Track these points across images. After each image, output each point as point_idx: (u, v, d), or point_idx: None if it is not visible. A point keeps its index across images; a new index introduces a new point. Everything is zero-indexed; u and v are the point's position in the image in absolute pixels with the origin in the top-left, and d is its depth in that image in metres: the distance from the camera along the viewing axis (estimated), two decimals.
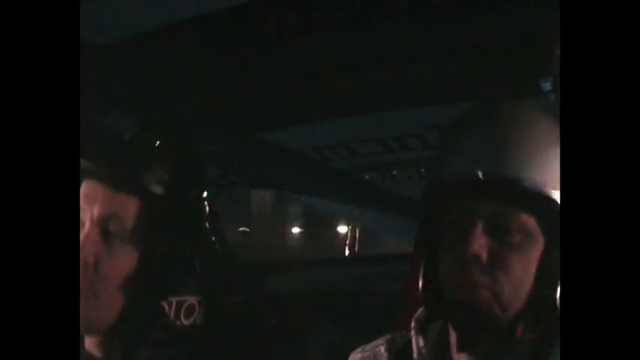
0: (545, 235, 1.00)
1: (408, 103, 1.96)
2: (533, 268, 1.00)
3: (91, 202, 1.16)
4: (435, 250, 1.06)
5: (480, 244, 0.99)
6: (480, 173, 0.98)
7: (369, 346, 1.19)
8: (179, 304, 1.29)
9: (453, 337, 1.07)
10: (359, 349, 1.19)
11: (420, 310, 1.10)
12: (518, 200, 0.99)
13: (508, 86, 1.69)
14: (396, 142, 2.48)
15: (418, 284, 1.09)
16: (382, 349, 1.16)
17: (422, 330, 1.10)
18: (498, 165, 0.98)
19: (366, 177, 2.62)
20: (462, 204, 1.01)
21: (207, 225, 1.27)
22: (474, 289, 1.00)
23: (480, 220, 1.00)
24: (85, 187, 1.14)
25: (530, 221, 1.00)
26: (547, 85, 1.53)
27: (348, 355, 1.20)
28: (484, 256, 0.99)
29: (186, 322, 1.27)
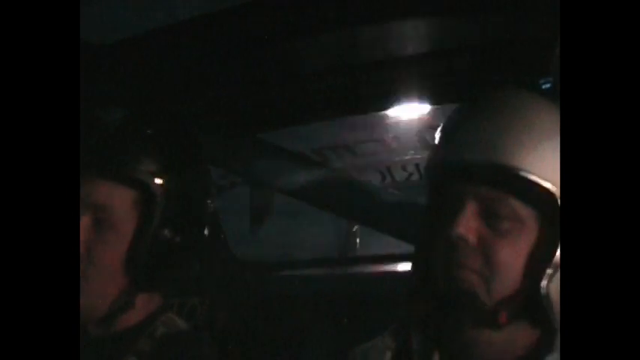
0: (538, 224, 1.00)
1: (407, 103, 1.96)
2: (522, 257, 1.00)
3: (85, 199, 1.16)
4: (432, 236, 1.07)
5: (468, 226, 1.01)
6: (474, 158, 0.99)
7: (369, 343, 1.19)
8: (181, 305, 1.29)
9: (448, 330, 1.08)
10: (359, 346, 1.19)
11: (419, 305, 1.10)
12: (511, 187, 0.99)
13: (508, 86, 1.69)
14: (396, 142, 2.48)
15: (419, 280, 1.10)
16: (382, 345, 1.16)
17: (421, 326, 1.11)
18: (493, 151, 0.98)
19: (366, 177, 2.62)
20: (455, 188, 1.02)
21: (207, 225, 1.27)
22: (460, 270, 1.01)
23: (470, 204, 1.01)
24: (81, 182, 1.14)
25: (522, 209, 1.00)
26: (547, 85, 1.53)
27: (348, 355, 1.20)
28: (472, 238, 1.00)
29: (187, 322, 1.27)
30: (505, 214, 1.00)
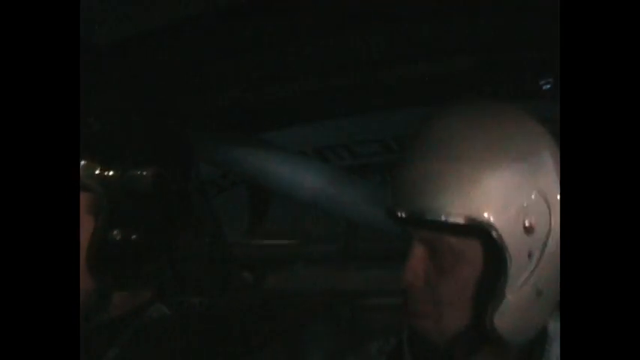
0: (478, 257, 1.00)
1: (407, 103, 1.96)
2: (467, 292, 1.01)
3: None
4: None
5: (416, 271, 1.02)
6: (412, 205, 1.00)
7: (363, 347, 1.20)
8: (179, 304, 1.29)
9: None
10: (353, 351, 1.20)
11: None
12: (446, 226, 0.99)
13: (508, 86, 1.69)
14: (396, 142, 2.48)
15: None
16: (375, 350, 1.17)
17: (411, 334, 1.12)
18: (425, 196, 0.99)
19: (366, 177, 2.62)
20: (404, 233, 1.05)
21: (207, 225, 1.27)
22: (414, 315, 1.04)
23: (417, 247, 1.04)
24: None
25: (459, 245, 1.00)
26: (547, 86, 1.53)
27: (346, 356, 1.21)
28: (419, 283, 1.02)
29: (184, 321, 1.27)
30: (444, 251, 1.01)
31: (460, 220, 0.97)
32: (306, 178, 2.30)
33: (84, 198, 1.16)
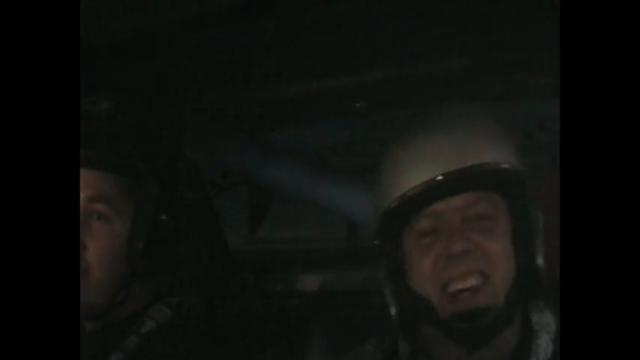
0: (506, 206, 1.09)
1: (408, 103, 1.96)
2: (511, 239, 1.07)
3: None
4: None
5: (462, 238, 1.06)
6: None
7: (359, 345, 1.20)
8: (179, 304, 1.29)
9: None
10: (349, 349, 1.21)
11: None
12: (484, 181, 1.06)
13: (508, 86, 1.69)
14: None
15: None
16: (371, 348, 1.17)
17: (405, 332, 1.12)
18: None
19: (366, 177, 2.62)
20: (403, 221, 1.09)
21: (206, 225, 1.28)
22: (461, 285, 1.04)
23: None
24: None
25: (494, 195, 1.08)
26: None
27: (344, 354, 1.21)
28: (466, 246, 1.05)
29: (185, 322, 1.27)
30: (484, 206, 1.03)
31: (505, 166, 1.04)
32: (306, 178, 2.30)
33: (120, 183, 1.17)
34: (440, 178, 1.01)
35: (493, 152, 1.03)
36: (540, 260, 1.04)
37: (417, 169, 1.02)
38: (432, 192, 1.02)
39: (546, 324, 1.08)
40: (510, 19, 1.45)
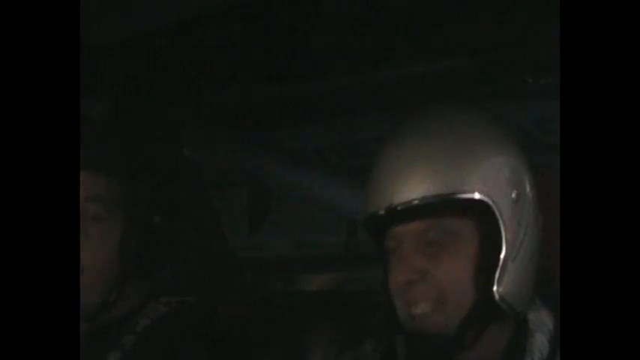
0: (474, 233, 1.05)
1: (408, 103, 1.96)
2: (468, 269, 1.04)
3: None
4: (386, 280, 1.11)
5: (412, 265, 1.05)
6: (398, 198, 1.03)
7: (358, 346, 1.21)
8: (178, 303, 1.29)
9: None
10: (348, 349, 1.21)
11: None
12: (437, 209, 1.04)
13: (508, 86, 1.69)
14: None
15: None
16: (369, 348, 1.18)
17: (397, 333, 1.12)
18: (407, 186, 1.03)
19: (366, 177, 2.62)
20: (392, 231, 1.08)
21: (207, 225, 1.28)
22: (417, 309, 1.04)
23: (408, 242, 1.07)
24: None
25: (453, 224, 1.05)
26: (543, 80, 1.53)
27: (342, 355, 1.21)
28: (417, 275, 1.04)
29: (184, 321, 1.27)
30: (440, 235, 1.03)
31: (461, 196, 1.00)
32: (305, 178, 2.30)
33: (114, 183, 1.17)
34: (399, 207, 1.03)
35: (459, 180, 1.02)
36: (497, 289, 1.02)
37: (383, 191, 1.05)
38: (390, 217, 1.05)
39: (542, 323, 1.09)
40: (510, 19, 1.45)
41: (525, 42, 1.52)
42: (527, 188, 1.07)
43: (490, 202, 1.01)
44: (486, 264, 1.03)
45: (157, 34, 1.60)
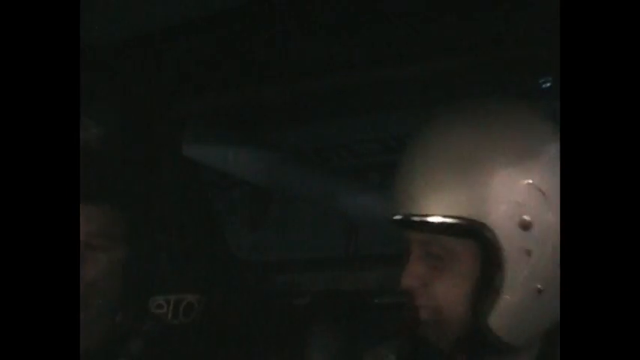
0: (472, 256, 1.00)
1: (408, 103, 1.96)
2: (463, 292, 1.00)
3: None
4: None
5: (414, 274, 1.03)
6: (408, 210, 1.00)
7: (374, 348, 1.19)
8: (177, 303, 1.29)
9: None
10: (368, 350, 1.20)
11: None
12: (439, 227, 0.99)
13: (508, 86, 1.69)
14: (396, 142, 2.48)
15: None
16: (386, 350, 1.16)
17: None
18: (418, 202, 1.00)
19: (366, 177, 2.62)
20: (403, 237, 1.05)
21: (207, 225, 1.28)
22: (415, 320, 1.03)
23: (414, 250, 1.04)
24: None
25: (453, 244, 1.00)
26: (547, 85, 1.53)
27: (347, 357, 1.21)
28: (418, 286, 1.02)
29: (185, 321, 1.27)
30: (439, 251, 1.01)
31: (453, 221, 0.97)
32: (305, 178, 2.30)
33: (117, 213, 1.17)
34: (414, 217, 1.01)
35: (465, 202, 0.98)
36: (488, 319, 0.97)
37: (401, 194, 1.03)
38: (405, 222, 1.03)
39: None
40: (510, 19, 1.45)
41: (525, 42, 1.52)
42: (548, 215, 0.97)
43: (485, 230, 0.96)
44: (484, 291, 0.98)
45: (157, 34, 1.60)
